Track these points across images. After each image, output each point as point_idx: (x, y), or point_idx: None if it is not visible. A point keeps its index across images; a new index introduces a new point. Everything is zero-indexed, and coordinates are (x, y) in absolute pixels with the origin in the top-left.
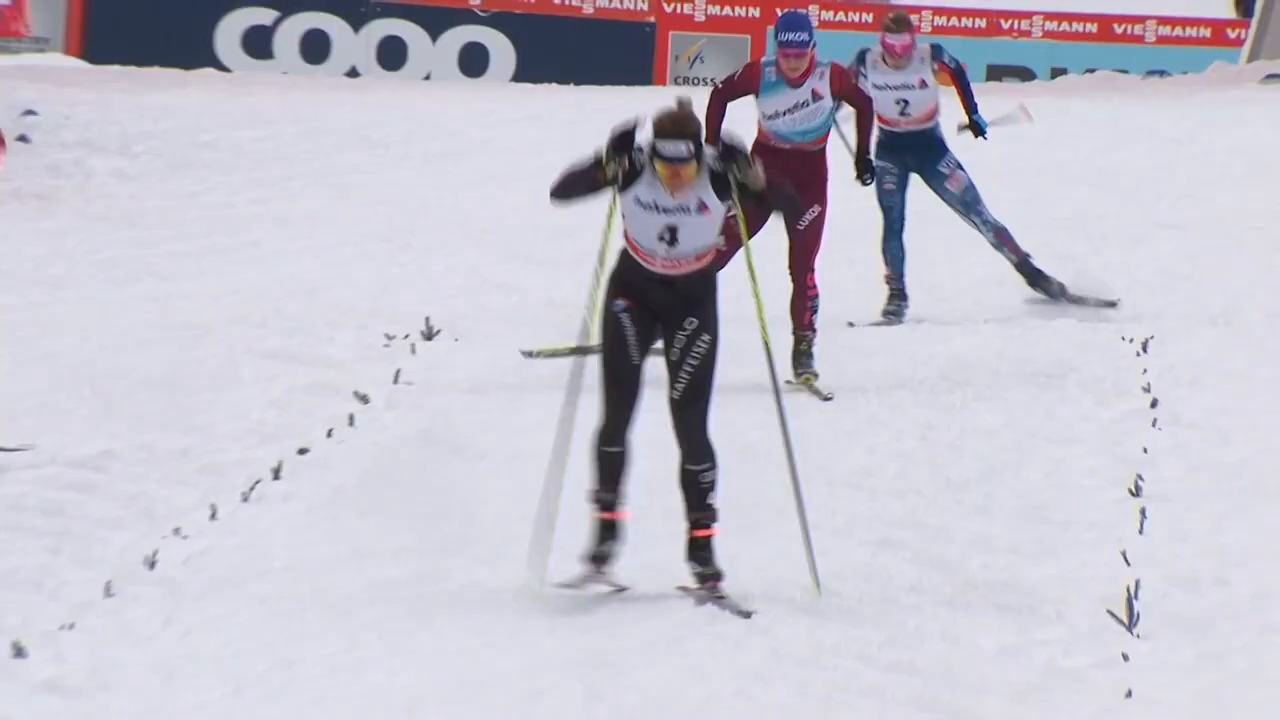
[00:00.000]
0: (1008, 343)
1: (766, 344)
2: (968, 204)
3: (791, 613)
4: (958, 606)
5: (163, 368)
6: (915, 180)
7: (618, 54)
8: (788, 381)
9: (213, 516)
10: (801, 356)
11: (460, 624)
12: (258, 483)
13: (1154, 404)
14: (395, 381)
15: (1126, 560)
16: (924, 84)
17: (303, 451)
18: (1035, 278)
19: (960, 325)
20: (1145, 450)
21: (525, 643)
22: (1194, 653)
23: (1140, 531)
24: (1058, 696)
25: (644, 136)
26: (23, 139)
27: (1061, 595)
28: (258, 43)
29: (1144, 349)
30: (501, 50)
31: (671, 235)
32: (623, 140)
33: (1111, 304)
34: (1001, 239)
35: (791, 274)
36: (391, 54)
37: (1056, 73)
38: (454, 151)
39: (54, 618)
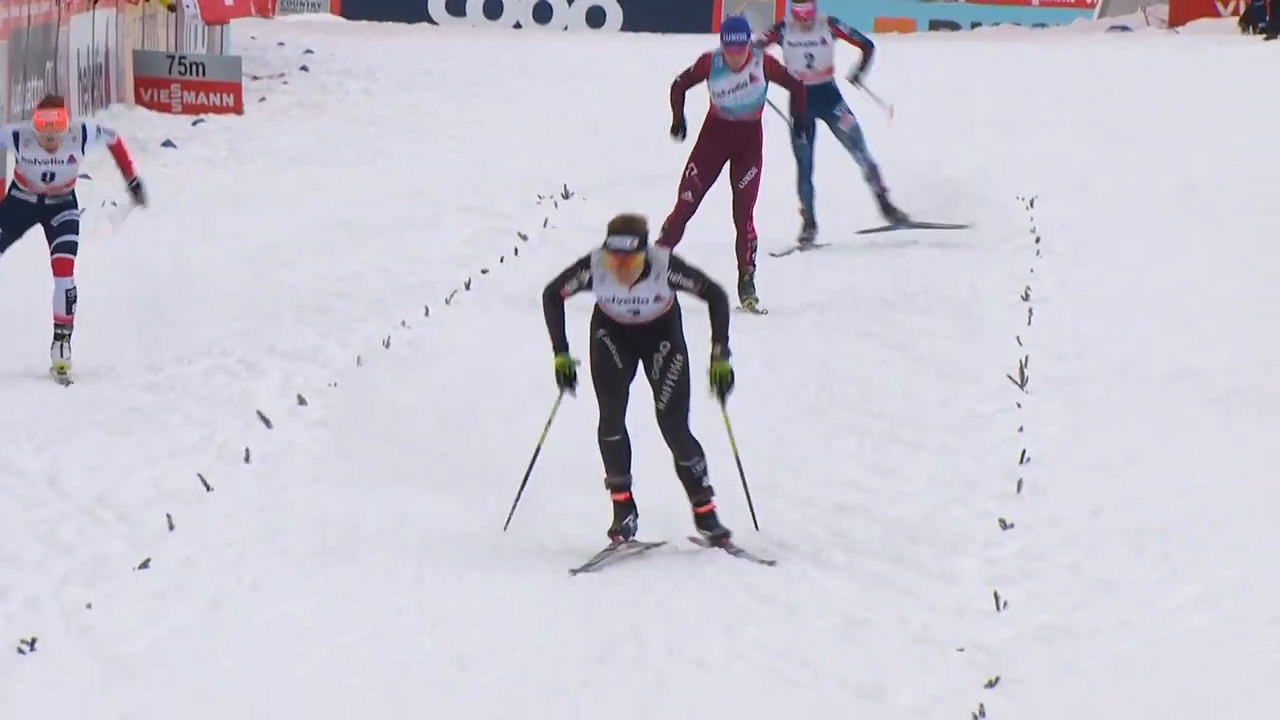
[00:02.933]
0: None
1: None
2: (854, 140)
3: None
4: (911, 374)
5: (394, 217)
6: (823, 131)
7: (689, 9)
8: (736, 306)
9: (426, 314)
10: (745, 286)
11: None
12: (455, 292)
13: (1037, 239)
14: (544, 226)
15: (1019, 342)
16: (824, 41)
17: (484, 272)
18: (888, 209)
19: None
20: (1031, 270)
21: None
22: (1062, 401)
23: (1028, 323)
24: (975, 432)
25: (594, 251)
26: (304, 69)
27: (978, 366)
28: (455, 4)
29: (1030, 204)
30: (613, 10)
31: (635, 314)
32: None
33: (962, 227)
34: (873, 173)
35: (735, 222)
36: (542, 12)
37: (975, 24)
38: (581, 75)
39: (323, 379)
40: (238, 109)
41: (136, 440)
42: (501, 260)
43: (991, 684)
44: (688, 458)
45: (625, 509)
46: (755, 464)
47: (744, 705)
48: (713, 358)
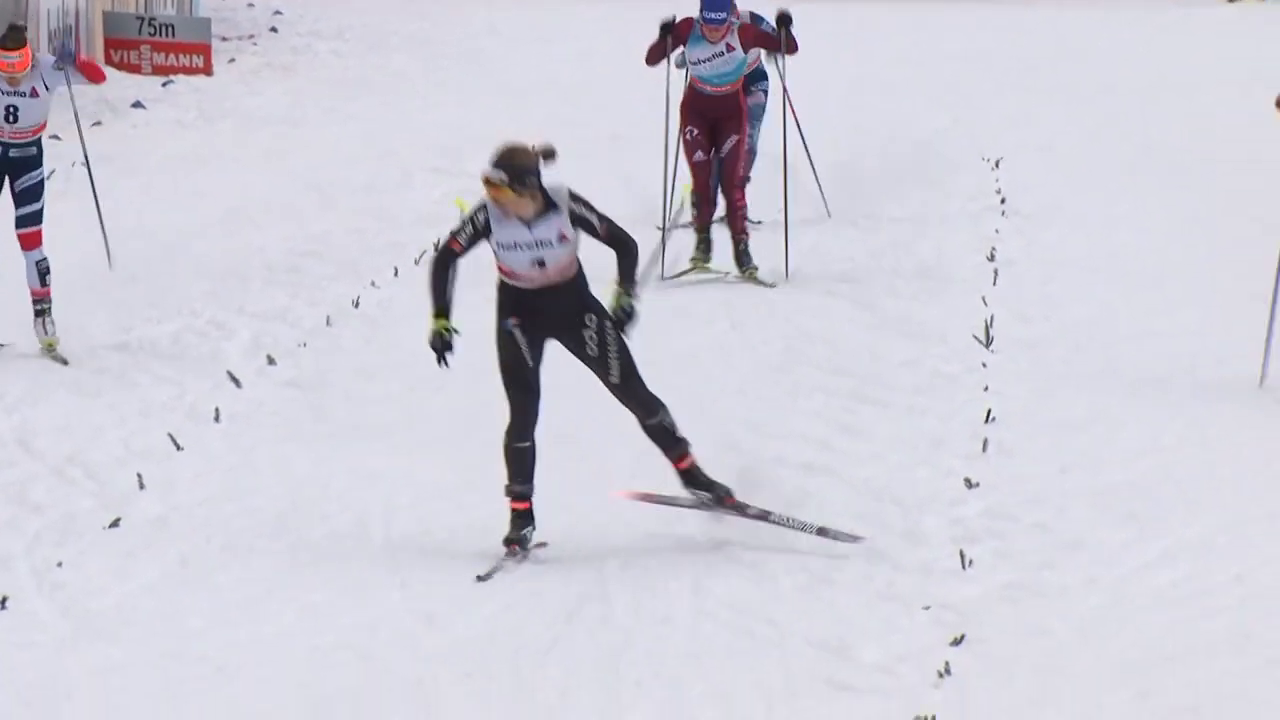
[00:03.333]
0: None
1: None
2: (752, 116)
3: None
4: (878, 334)
5: (364, 177)
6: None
7: None
8: (735, 275)
9: (395, 274)
10: (742, 255)
11: None
12: (424, 252)
13: (1003, 200)
14: None
15: (985, 303)
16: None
17: None
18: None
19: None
20: (997, 231)
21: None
22: (1028, 361)
23: (994, 284)
24: (941, 391)
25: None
26: (273, 30)
27: (944, 326)
28: None
29: (996, 165)
30: None
31: (541, 264)
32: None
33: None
34: (747, 159)
35: (723, 193)
36: None
37: None
38: (552, 38)
39: (293, 339)
40: (207, 70)
41: (107, 400)
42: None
43: (957, 642)
44: (653, 414)
45: (524, 519)
46: (722, 423)
47: (710, 662)
48: (617, 293)
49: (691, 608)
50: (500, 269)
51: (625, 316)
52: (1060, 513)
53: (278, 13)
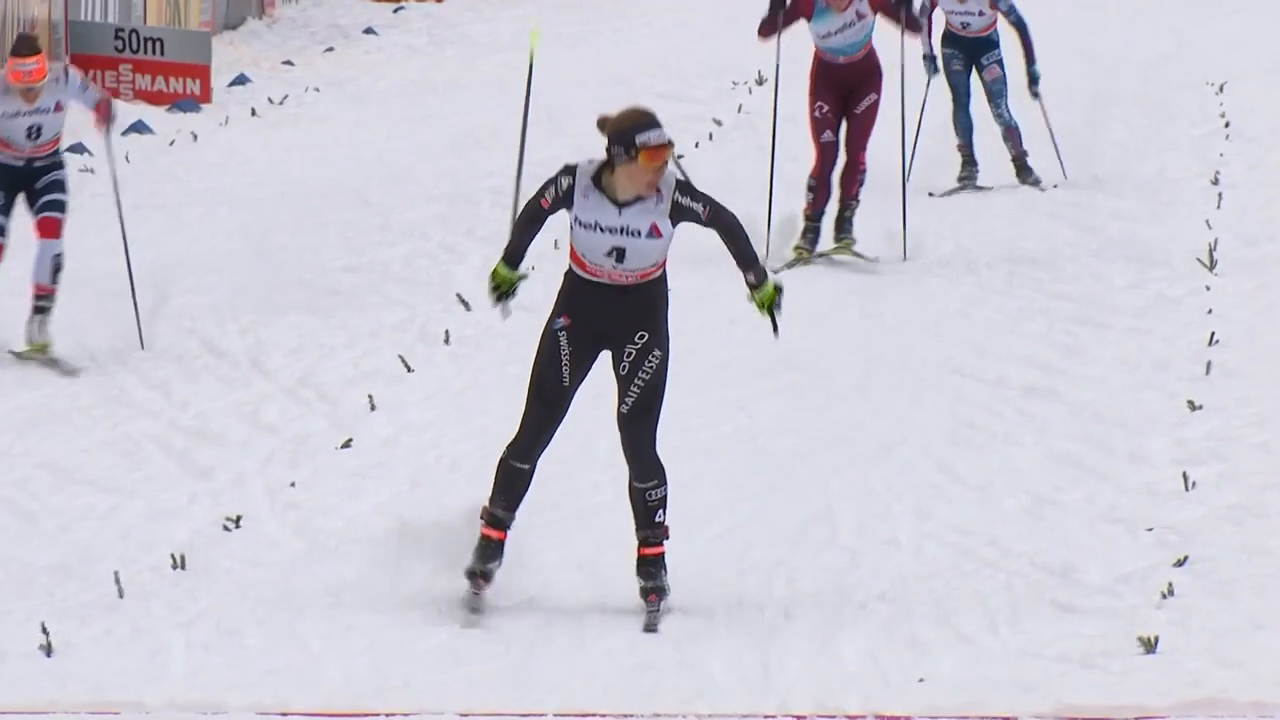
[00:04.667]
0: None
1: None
2: (995, 94)
3: None
4: (1100, 257)
5: (590, 102)
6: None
7: None
8: (831, 247)
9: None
10: (844, 223)
11: None
12: None
13: (1227, 124)
14: (738, 112)
15: (1209, 225)
16: (982, 13)
17: (680, 157)
18: (1023, 170)
19: None
20: (1221, 155)
21: None
22: (1253, 284)
23: (1218, 207)
24: (1164, 315)
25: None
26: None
27: (1166, 249)
28: None
29: (1220, 89)
30: None
31: (620, 254)
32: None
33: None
34: (1010, 134)
35: (847, 149)
36: None
37: None
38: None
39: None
40: None
41: (338, 322)
42: (696, 145)
43: (1180, 563)
44: (646, 478)
45: (494, 550)
46: (944, 344)
47: (935, 583)
48: (750, 286)
49: (915, 530)
50: (572, 254)
51: (773, 313)
52: None
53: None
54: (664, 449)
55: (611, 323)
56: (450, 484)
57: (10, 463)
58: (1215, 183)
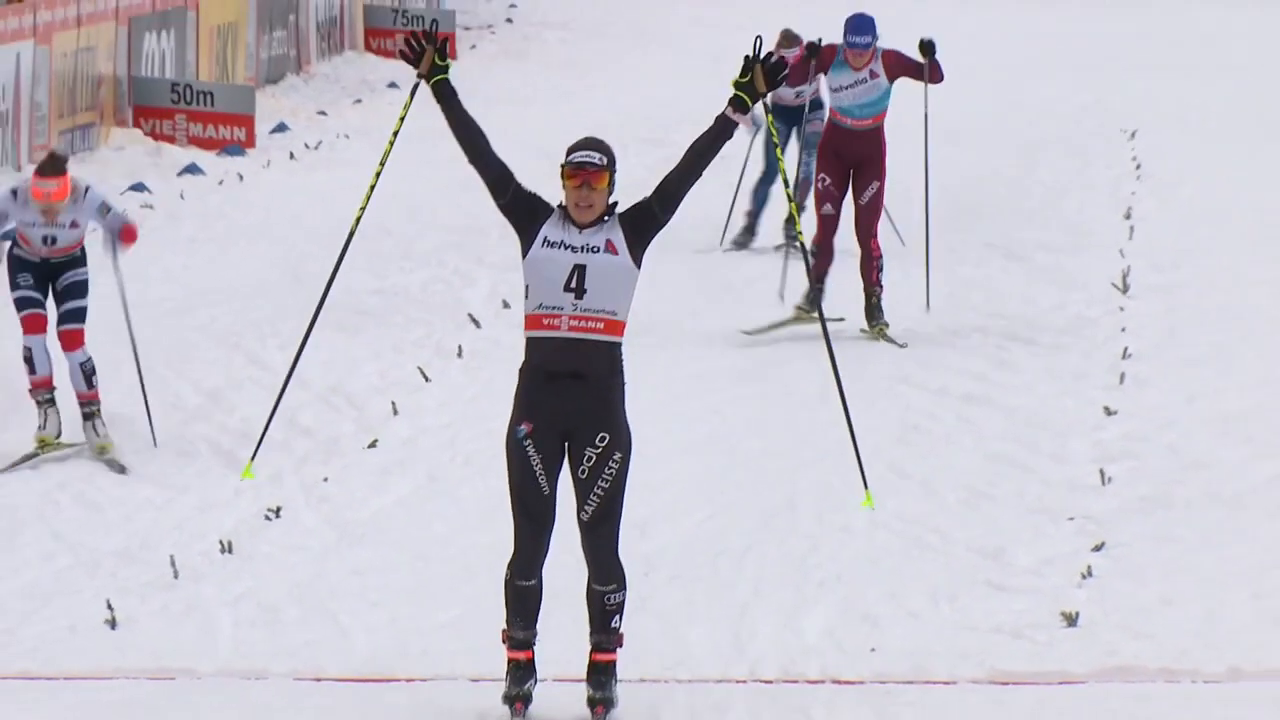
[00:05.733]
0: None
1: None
2: (810, 145)
3: None
4: (1028, 282)
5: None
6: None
7: None
8: (862, 330)
9: None
10: (873, 310)
11: None
12: None
13: (1138, 166)
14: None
15: (1123, 255)
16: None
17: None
18: (790, 220)
19: None
20: (1133, 193)
21: None
22: (1161, 306)
23: (1130, 239)
24: (1084, 332)
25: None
26: (509, 21)
27: (1086, 275)
28: None
29: (1132, 136)
30: None
31: (580, 279)
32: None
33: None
34: (803, 185)
35: (858, 241)
36: None
37: None
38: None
39: None
40: (453, 55)
41: (365, 338)
42: None
43: (1098, 548)
44: (605, 581)
45: (526, 672)
46: (893, 358)
47: (884, 565)
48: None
49: (868, 519)
50: (527, 318)
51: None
52: (1187, 436)
53: (513, 5)
54: (650, 449)
55: (573, 419)
56: (463, 479)
57: (79, 461)
58: (1128, 217)
